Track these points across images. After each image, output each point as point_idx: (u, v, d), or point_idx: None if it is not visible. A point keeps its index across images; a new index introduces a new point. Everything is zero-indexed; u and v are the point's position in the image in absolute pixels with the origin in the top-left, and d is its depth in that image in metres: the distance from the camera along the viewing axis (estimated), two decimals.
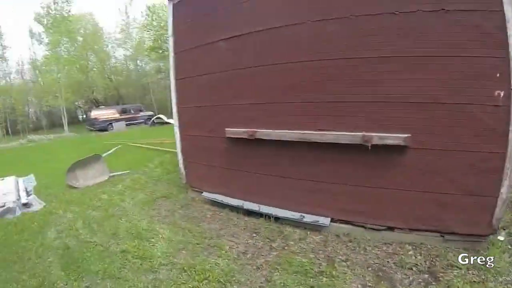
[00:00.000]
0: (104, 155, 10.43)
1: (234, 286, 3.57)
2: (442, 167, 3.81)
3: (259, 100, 5.01)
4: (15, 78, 43.36)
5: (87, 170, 9.10)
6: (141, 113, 32.94)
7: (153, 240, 4.83)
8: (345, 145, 4.14)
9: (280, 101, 4.75)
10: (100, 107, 33.83)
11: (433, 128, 3.75)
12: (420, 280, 3.45)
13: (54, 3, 33.70)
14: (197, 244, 4.61)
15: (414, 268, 3.63)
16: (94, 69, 41.76)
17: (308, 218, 4.62)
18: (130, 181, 8.51)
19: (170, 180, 8.11)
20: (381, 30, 3.84)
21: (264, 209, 5.10)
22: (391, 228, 4.21)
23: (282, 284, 3.48)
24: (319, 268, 3.73)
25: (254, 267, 3.90)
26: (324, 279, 3.52)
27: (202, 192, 6.24)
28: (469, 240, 3.90)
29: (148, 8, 35.71)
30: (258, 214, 5.21)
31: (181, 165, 6.83)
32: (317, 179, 4.58)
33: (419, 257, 3.83)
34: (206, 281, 3.67)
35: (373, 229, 4.30)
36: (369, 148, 3.92)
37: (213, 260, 4.09)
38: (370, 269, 3.68)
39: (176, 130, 6.74)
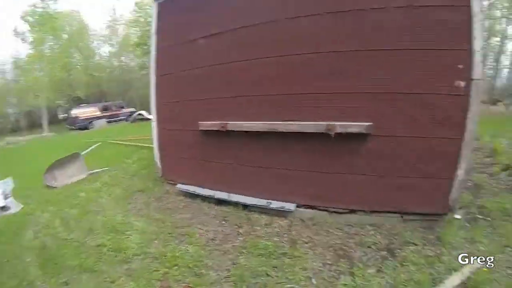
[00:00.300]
0: (83, 153, 10.41)
1: (202, 270, 3.77)
2: (402, 152, 4.09)
3: (230, 94, 5.29)
4: None
5: (66, 169, 9.15)
6: (123, 110, 32.61)
7: (128, 232, 4.95)
8: (310, 134, 4.39)
9: (249, 94, 5.02)
10: (81, 105, 33.09)
11: (394, 116, 4.02)
12: (377, 256, 3.72)
13: (42, 1, 33.36)
14: (169, 233, 4.79)
15: (373, 246, 3.90)
16: (78, 66, 41.10)
17: (275, 204, 4.85)
18: (108, 177, 8.57)
19: (146, 174, 8.17)
20: (344, 26, 4.16)
21: (234, 197, 5.33)
22: (353, 211, 4.47)
23: (247, 266, 3.71)
24: (282, 250, 3.97)
25: (222, 252, 4.13)
26: (287, 259, 3.77)
27: (176, 184, 6.41)
28: (426, 219, 4.18)
29: (136, 4, 35.28)
30: (228, 203, 5.42)
31: (157, 159, 7.01)
32: (284, 167, 4.85)
33: (378, 236, 4.10)
34: (176, 267, 3.87)
35: (336, 212, 4.57)
36: (333, 136, 4.17)
37: (184, 247, 4.29)
38: (331, 249, 3.95)
39: (154, 125, 6.93)
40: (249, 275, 3.56)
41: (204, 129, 5.65)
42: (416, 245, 3.84)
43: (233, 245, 4.26)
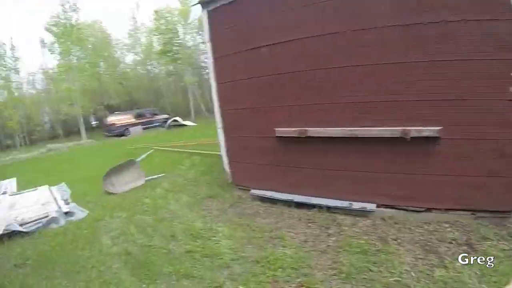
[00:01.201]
0: (138, 159, 10.53)
1: (307, 270, 3.90)
2: (470, 153, 4.34)
3: (306, 101, 5.43)
4: (27, 89, 43.59)
5: (123, 176, 9.22)
6: (157, 117, 32.79)
7: (214, 238, 5.01)
8: (387, 138, 4.66)
9: (324, 101, 5.21)
10: (116, 112, 33.55)
11: (461, 121, 4.28)
12: (460, 251, 3.91)
13: (64, 12, 33.91)
14: (260, 237, 4.89)
15: (453, 242, 4.12)
16: (106, 75, 41.74)
17: (356, 205, 5.10)
18: (168, 184, 8.63)
19: (208, 180, 8.23)
20: (412, 38, 4.40)
21: (314, 200, 5.49)
22: (429, 209, 4.71)
23: (348, 263, 3.89)
24: (375, 247, 4.18)
25: (319, 252, 4.28)
26: (382, 255, 3.97)
27: (249, 190, 6.51)
28: (497, 216, 4.39)
29: (155, 12, 35.54)
30: (308, 206, 5.56)
31: (226, 165, 7.14)
32: (362, 169, 5.08)
33: (456, 233, 4.31)
34: (281, 269, 3.97)
35: (414, 211, 4.79)
36: (408, 140, 4.45)
37: (280, 250, 4.40)
38: (417, 245, 4.16)
39: (220, 132, 6.99)
40: (354, 271, 3.73)
41: (281, 135, 5.76)
42: (491, 240, 4.03)
43: (327, 245, 4.41)
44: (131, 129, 29.76)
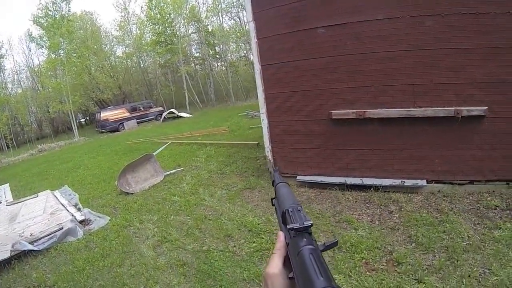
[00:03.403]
0: (155, 153, 9.77)
1: (388, 247, 4.09)
2: (510, 130, 4.83)
3: (363, 83, 5.54)
4: (12, 88, 42.23)
5: (139, 173, 8.73)
6: (151, 110, 31.82)
7: (276, 231, 4.44)
8: (438, 117, 5.03)
9: (382, 84, 5.37)
10: (109, 107, 32.72)
11: (503, 101, 4.75)
12: (505, 214, 4.44)
13: (53, 4, 32.59)
14: (326, 223, 4.92)
15: (497, 208, 4.62)
16: (96, 69, 40.67)
17: (408, 182, 5.42)
18: (192, 178, 8.27)
19: (237, 171, 7.93)
20: (465, 26, 4.72)
21: (367, 181, 5.73)
22: (471, 182, 5.16)
23: (422, 235, 4.17)
24: (437, 219, 4.53)
25: (390, 229, 4.52)
26: (447, 225, 4.33)
27: (294, 177, 6.48)
28: None
29: (149, 1, 34.50)
30: (360, 187, 5.78)
31: (268, 153, 6.89)
32: (413, 148, 5.38)
33: (496, 200, 4.78)
34: (366, 251, 4.08)
35: (459, 184, 5.22)
36: (459, 119, 4.88)
37: (353, 232, 4.54)
38: (470, 213, 4.59)
39: (263, 117, 6.74)
40: (430, 242, 4.01)
41: (337, 117, 5.77)
42: None
43: (394, 222, 4.66)
44: (125, 123, 28.86)
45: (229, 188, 6.88)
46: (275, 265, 0.73)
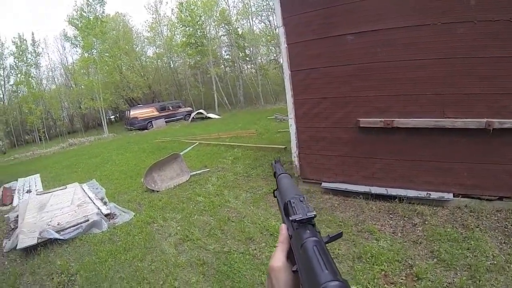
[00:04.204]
0: (182, 153, 9.87)
1: (410, 261, 3.98)
2: None
3: (393, 92, 5.40)
4: (47, 85, 43.73)
5: (166, 171, 8.87)
6: (180, 109, 32.28)
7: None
8: (466, 129, 4.85)
9: (411, 93, 5.23)
10: (138, 105, 33.30)
11: None
12: None
13: (88, 5, 33.51)
14: (348, 232, 4.82)
15: None
16: (127, 68, 41.43)
17: (434, 195, 5.26)
18: (217, 179, 8.33)
19: (263, 175, 7.95)
20: (498, 34, 4.50)
21: (393, 191, 5.59)
22: (501, 198, 4.93)
23: (444, 251, 4.05)
24: (462, 235, 4.38)
25: (412, 242, 4.39)
26: (472, 242, 4.17)
27: (319, 183, 6.43)
28: None
29: (180, 3, 34.97)
30: (384, 197, 5.66)
31: (295, 158, 6.78)
32: (440, 160, 5.21)
33: None
34: (386, 263, 3.98)
35: (487, 199, 5.01)
36: (491, 131, 4.66)
37: (375, 243, 4.44)
38: (497, 231, 4.41)
39: (291, 122, 6.66)
40: (453, 259, 3.89)
41: (364, 126, 5.65)
42: None
43: (417, 235, 4.53)
44: (154, 122, 29.40)
45: (254, 191, 6.90)
46: (278, 258, 0.72)
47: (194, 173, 9.10)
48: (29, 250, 5.69)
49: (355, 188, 5.91)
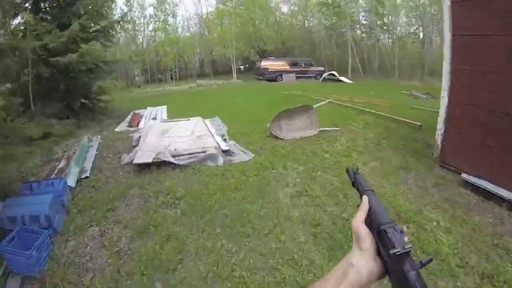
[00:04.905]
0: (315, 106, 9.57)
1: None
2: None
3: None
4: (181, 32, 46.38)
5: (294, 121, 8.84)
6: (312, 68, 31.71)
7: (429, 228, 4.13)
8: None
9: None
10: (270, 58, 33.44)
11: None
12: None
13: None
14: (482, 241, 3.93)
15: None
16: (261, 22, 41.95)
17: None
18: (346, 141, 8.05)
19: (395, 147, 7.45)
20: None
21: None
22: None
23: None
24: None
25: None
26: None
27: (460, 173, 5.47)
28: None
29: None
30: None
31: (438, 136, 6.07)
32: None
33: None
34: None
35: None
36: None
37: (509, 267, 3.46)
38: None
39: (444, 94, 5.88)
40: None
41: None
42: None
43: None
44: (284, 75, 29.38)
45: (384, 162, 6.45)
46: (358, 220, 0.92)
47: (323, 129, 8.87)
48: (143, 167, 6.31)
49: (500, 192, 4.73)
